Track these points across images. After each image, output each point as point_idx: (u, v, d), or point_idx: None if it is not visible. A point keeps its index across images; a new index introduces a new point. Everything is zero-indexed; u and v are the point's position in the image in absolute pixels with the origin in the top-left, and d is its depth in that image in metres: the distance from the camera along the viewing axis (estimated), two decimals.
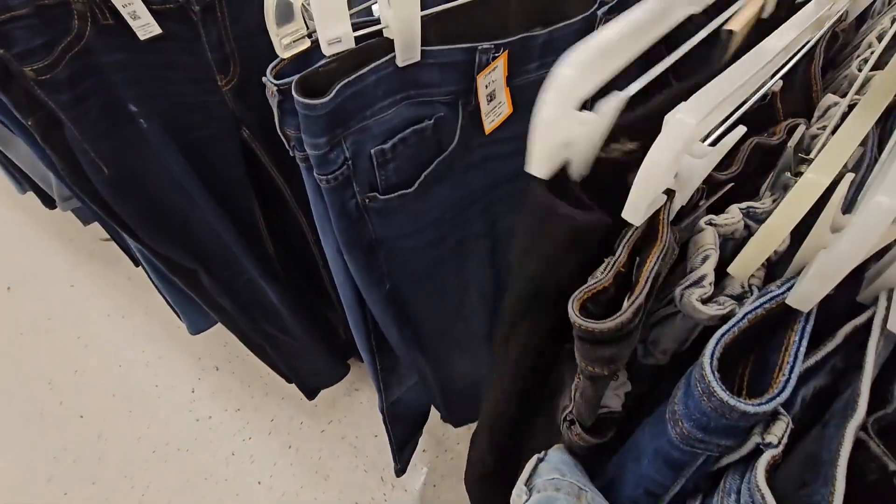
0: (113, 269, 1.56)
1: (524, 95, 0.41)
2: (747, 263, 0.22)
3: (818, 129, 0.29)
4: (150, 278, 1.07)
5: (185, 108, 0.64)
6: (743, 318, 0.20)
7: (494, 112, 0.39)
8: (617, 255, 0.24)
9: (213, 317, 0.97)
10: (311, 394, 1.14)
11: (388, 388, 0.78)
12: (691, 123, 0.21)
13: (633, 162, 0.25)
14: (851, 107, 0.30)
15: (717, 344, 0.20)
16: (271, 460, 1.17)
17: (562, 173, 0.25)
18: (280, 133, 0.39)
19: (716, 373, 0.19)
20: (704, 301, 0.22)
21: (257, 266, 0.83)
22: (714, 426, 0.20)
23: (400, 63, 0.35)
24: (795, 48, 0.34)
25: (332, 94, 0.33)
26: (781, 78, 0.36)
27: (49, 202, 1.40)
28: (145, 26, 0.56)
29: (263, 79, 0.36)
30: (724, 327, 0.20)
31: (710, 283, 0.23)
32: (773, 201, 0.25)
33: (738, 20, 0.37)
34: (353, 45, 0.33)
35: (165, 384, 1.31)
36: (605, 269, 0.24)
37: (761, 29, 0.39)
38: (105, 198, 0.65)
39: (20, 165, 1.26)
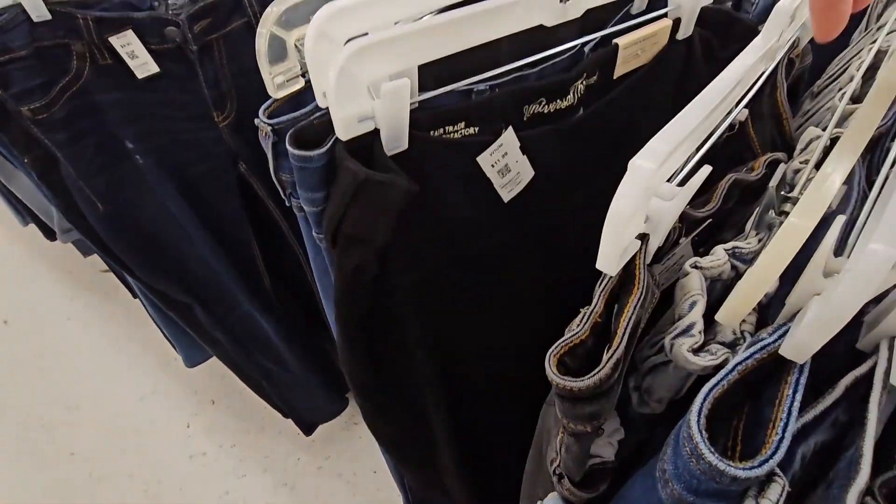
0: (110, 300, 1.55)
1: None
2: (736, 311, 0.21)
3: (800, 162, 0.28)
4: (147, 310, 1.06)
5: (182, 144, 0.64)
6: (732, 370, 0.19)
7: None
8: (593, 304, 0.23)
9: (209, 350, 0.95)
10: (308, 429, 1.11)
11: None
12: (651, 168, 0.21)
13: None
14: (834, 140, 0.30)
15: (704, 400, 0.18)
16: (266, 499, 1.13)
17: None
18: (275, 179, 0.38)
19: (703, 433, 0.18)
20: (695, 351, 0.21)
21: (253, 299, 0.82)
22: (704, 489, 0.19)
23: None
24: (752, 79, 0.34)
25: (328, 145, 0.32)
26: (747, 107, 0.36)
27: (50, 234, 1.40)
28: (143, 65, 0.57)
29: (256, 120, 0.35)
30: (713, 381, 0.19)
31: (700, 332, 0.22)
32: (759, 241, 0.24)
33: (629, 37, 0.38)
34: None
35: (160, 419, 1.28)
36: (581, 321, 0.23)
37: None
38: (100, 233, 0.65)
39: (22, 198, 1.27)
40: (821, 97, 0.36)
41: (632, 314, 0.22)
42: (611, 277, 0.23)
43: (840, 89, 0.32)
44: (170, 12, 0.57)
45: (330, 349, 1.05)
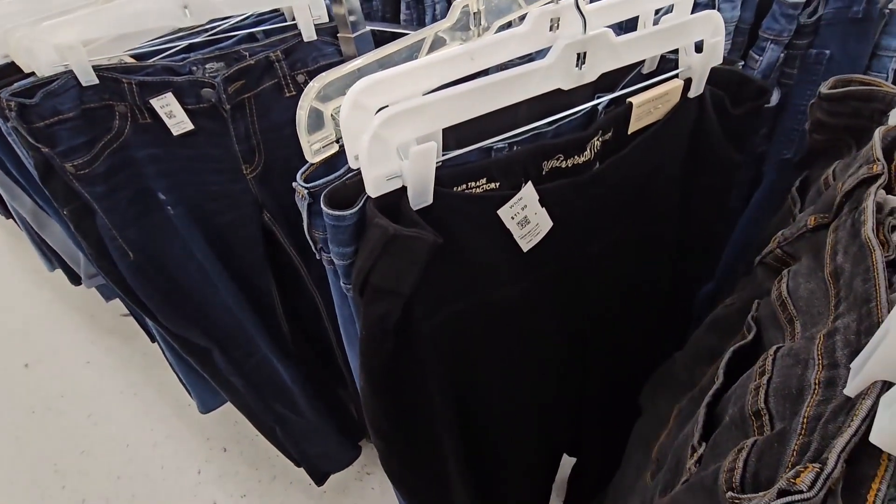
0: (129, 344, 1.57)
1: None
2: None
3: None
4: (165, 355, 1.08)
5: (211, 195, 0.68)
6: None
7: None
8: (829, 468, 0.19)
9: (224, 396, 0.95)
10: (320, 479, 1.08)
11: None
12: None
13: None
14: None
15: None
16: None
17: None
18: (308, 236, 0.40)
19: None
20: None
21: (271, 345, 0.83)
22: None
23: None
24: None
25: (359, 205, 0.35)
26: None
27: (75, 279, 1.44)
28: (179, 124, 0.61)
29: (294, 184, 0.38)
30: None
31: None
32: None
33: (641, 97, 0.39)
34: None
35: (172, 466, 1.26)
36: (812, 484, 0.19)
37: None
38: (128, 280, 0.67)
39: (52, 245, 1.32)
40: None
41: (884, 494, 0.18)
42: (854, 434, 0.19)
43: None
44: (207, 75, 0.61)
45: (344, 395, 1.05)
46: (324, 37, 0.66)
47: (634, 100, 0.39)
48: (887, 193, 0.29)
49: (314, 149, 0.37)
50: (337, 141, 0.38)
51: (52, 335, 1.64)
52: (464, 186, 0.37)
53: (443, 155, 0.36)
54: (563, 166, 0.39)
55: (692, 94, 0.43)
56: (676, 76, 0.42)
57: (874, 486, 0.18)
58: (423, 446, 0.45)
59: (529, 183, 0.37)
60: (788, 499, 0.19)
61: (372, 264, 0.34)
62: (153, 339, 1.35)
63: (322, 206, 0.34)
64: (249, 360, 0.84)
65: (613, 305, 0.51)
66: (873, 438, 0.19)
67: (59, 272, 1.42)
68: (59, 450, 1.33)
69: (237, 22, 0.70)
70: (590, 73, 0.36)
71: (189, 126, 0.62)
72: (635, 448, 0.49)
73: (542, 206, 0.39)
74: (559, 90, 0.38)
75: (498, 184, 0.37)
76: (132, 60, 0.62)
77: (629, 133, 0.41)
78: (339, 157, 0.39)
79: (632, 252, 0.48)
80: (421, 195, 0.34)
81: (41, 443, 1.35)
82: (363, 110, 0.31)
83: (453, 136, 0.36)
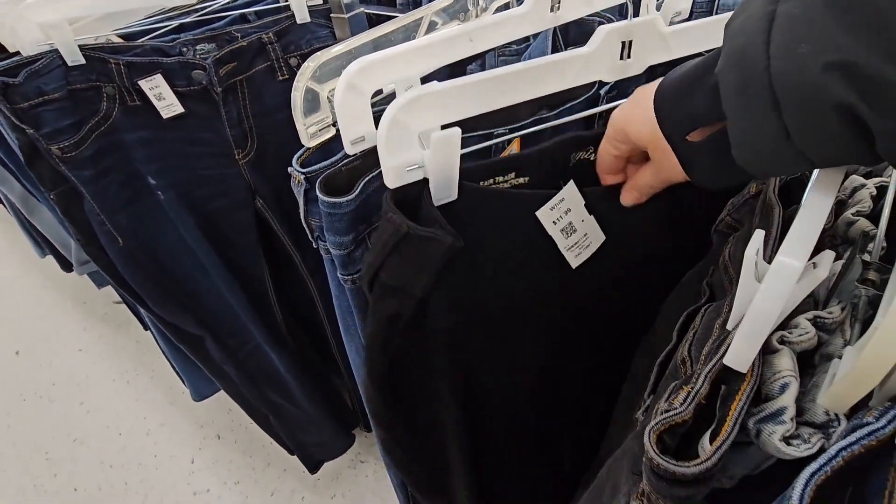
0: (122, 332, 1.56)
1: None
2: (844, 399, 0.20)
3: (853, 214, 0.28)
4: (158, 343, 1.07)
5: (203, 180, 0.66)
6: (836, 455, 0.18)
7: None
8: (698, 385, 0.22)
9: (217, 384, 0.95)
10: (314, 467, 1.08)
11: None
12: (799, 267, 0.20)
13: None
14: (879, 188, 0.29)
15: (805, 487, 0.17)
16: None
17: None
18: (304, 224, 0.39)
19: None
20: (787, 439, 0.20)
21: (264, 333, 0.82)
22: None
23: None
24: None
25: (356, 192, 0.33)
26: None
27: (67, 266, 1.42)
28: (169, 106, 0.60)
29: (290, 169, 0.36)
30: (814, 466, 0.18)
31: (792, 419, 0.20)
32: (842, 310, 0.23)
33: None
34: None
35: (165, 454, 1.26)
36: (685, 401, 0.22)
37: None
38: (118, 267, 0.66)
39: (43, 231, 1.30)
40: None
41: (743, 404, 0.21)
42: (718, 361, 0.23)
43: None
44: (197, 57, 0.60)
45: (338, 384, 1.04)
46: (317, 19, 0.64)
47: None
48: None
49: (310, 132, 0.36)
50: (334, 124, 0.37)
51: (44, 322, 1.62)
52: (490, 181, 0.34)
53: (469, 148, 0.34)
54: (592, 158, 0.37)
55: None
56: None
57: (737, 398, 0.22)
58: (427, 438, 0.44)
59: (571, 182, 0.34)
60: (666, 415, 0.22)
61: (382, 261, 0.31)
62: (146, 327, 1.34)
63: (318, 192, 0.33)
64: (243, 349, 0.83)
65: (644, 324, 0.49)
66: (726, 360, 0.23)
67: (51, 259, 1.41)
68: (50, 438, 1.32)
69: (229, 2, 0.68)
70: (636, 66, 0.34)
71: (179, 109, 0.60)
72: (620, 413, 0.49)
73: (591, 215, 0.36)
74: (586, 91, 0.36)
75: (528, 178, 0.35)
76: (120, 40, 0.61)
77: None
78: (336, 142, 0.37)
79: (669, 265, 0.46)
80: (444, 188, 0.31)
81: (33, 431, 1.34)
82: (358, 93, 0.30)
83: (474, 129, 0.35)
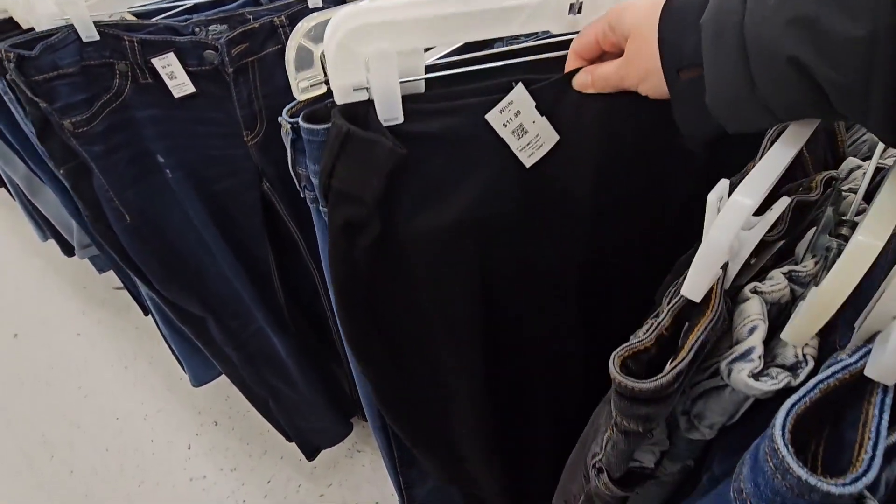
0: (121, 317, 1.56)
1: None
2: (804, 330, 0.21)
3: (845, 191, 0.29)
4: (158, 327, 1.07)
5: (211, 160, 0.67)
6: (814, 388, 0.19)
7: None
8: (661, 317, 0.24)
9: (218, 368, 0.95)
10: (311, 453, 1.09)
11: (410, 489, 0.68)
12: (751, 205, 0.22)
13: None
14: (875, 171, 0.30)
15: (787, 415, 0.18)
16: None
17: None
18: (292, 172, 0.40)
19: (790, 447, 0.17)
20: (755, 376, 0.22)
21: (267, 316, 0.82)
22: None
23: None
24: None
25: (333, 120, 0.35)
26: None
27: (68, 250, 1.43)
28: (181, 85, 0.60)
29: (280, 118, 0.38)
30: (794, 398, 0.19)
31: (760, 357, 0.22)
32: (815, 263, 0.24)
33: None
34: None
35: (162, 439, 1.26)
36: (647, 330, 0.24)
37: None
38: (124, 244, 0.66)
39: (45, 213, 1.31)
40: (854, 131, 0.37)
41: (701, 334, 0.23)
42: (681, 297, 0.24)
43: None
44: (210, 37, 0.60)
45: (338, 371, 1.05)
46: (329, 5, 0.65)
47: None
48: None
49: (301, 87, 0.38)
50: (326, 82, 0.38)
51: (43, 306, 1.62)
52: (441, 103, 0.36)
53: (415, 78, 0.35)
54: (547, 79, 0.37)
55: None
56: None
57: (696, 329, 0.24)
58: (413, 369, 0.45)
59: (521, 84, 0.36)
60: (630, 343, 0.24)
61: (332, 165, 0.34)
62: (146, 312, 1.34)
63: (300, 121, 0.35)
64: (245, 331, 0.84)
65: (622, 243, 0.49)
66: (682, 291, 0.24)
67: (51, 243, 1.41)
68: (47, 420, 1.32)
69: None
70: (584, 22, 0.35)
71: (191, 88, 0.61)
72: (601, 391, 0.50)
73: (543, 115, 0.37)
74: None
75: (477, 98, 0.36)
76: (133, 18, 0.61)
77: None
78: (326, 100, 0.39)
79: (644, 195, 0.46)
80: (389, 110, 0.34)
81: (29, 413, 1.35)
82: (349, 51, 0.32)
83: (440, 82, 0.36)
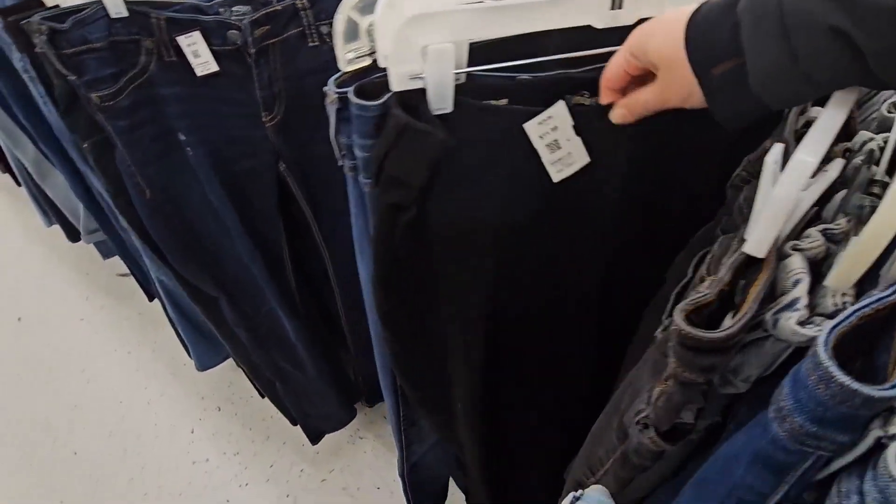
0: (125, 304, 1.57)
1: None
2: (848, 275, 0.23)
3: (861, 161, 0.31)
4: (166, 310, 1.08)
5: (231, 140, 0.68)
6: (853, 314, 0.20)
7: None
8: (721, 273, 0.26)
9: (227, 349, 0.97)
10: (315, 437, 1.10)
11: (409, 446, 0.72)
12: (813, 163, 0.23)
13: None
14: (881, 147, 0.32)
15: (829, 335, 0.20)
16: None
17: None
18: (333, 141, 0.42)
19: (833, 359, 0.19)
20: (801, 324, 0.23)
21: (279, 298, 0.84)
22: (831, 416, 0.19)
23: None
24: None
25: (383, 99, 0.37)
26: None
27: (73, 235, 1.43)
28: (204, 64, 0.62)
29: (325, 88, 0.39)
30: (834, 322, 0.20)
31: (806, 307, 0.24)
32: (848, 222, 0.26)
33: None
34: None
35: (165, 423, 1.27)
36: (710, 285, 0.26)
37: None
38: (143, 220, 0.68)
39: (52, 198, 1.31)
40: (863, 110, 0.39)
41: (761, 290, 0.24)
42: (741, 253, 0.26)
43: (885, 100, 0.35)
44: (233, 18, 0.62)
45: (344, 357, 1.06)
46: None
47: None
48: None
49: (348, 58, 0.39)
50: (370, 54, 0.39)
51: (46, 291, 1.63)
52: (486, 103, 0.38)
53: (466, 69, 0.37)
54: (587, 104, 0.40)
55: None
56: None
57: (756, 284, 0.25)
58: (430, 348, 0.47)
59: (562, 102, 0.38)
60: (694, 297, 0.26)
61: (386, 151, 0.36)
62: (151, 298, 1.35)
63: (350, 96, 0.37)
64: (257, 313, 0.85)
65: (638, 263, 0.52)
66: (745, 249, 0.26)
67: (56, 228, 1.41)
68: (50, 403, 1.33)
69: None
70: (626, 17, 0.37)
71: (214, 67, 0.62)
72: (625, 368, 0.51)
73: (578, 136, 0.39)
74: (594, 37, 0.39)
75: (521, 106, 0.39)
76: None
77: None
78: (370, 72, 0.40)
79: (666, 212, 0.48)
80: (440, 99, 0.36)
81: (32, 396, 1.35)
82: (397, 11, 0.33)
83: (482, 61, 0.38)
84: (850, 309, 0.20)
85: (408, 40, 0.33)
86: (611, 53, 0.39)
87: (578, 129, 0.39)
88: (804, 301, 0.23)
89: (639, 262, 0.53)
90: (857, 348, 0.21)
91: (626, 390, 0.34)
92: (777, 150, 0.25)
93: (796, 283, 0.24)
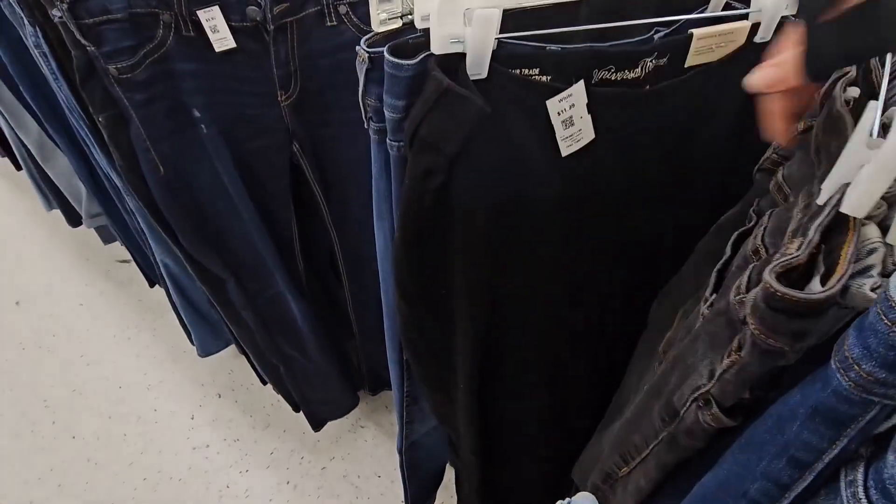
0: (125, 290, 1.56)
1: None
2: None
3: None
4: (169, 295, 1.07)
5: (245, 118, 0.68)
6: None
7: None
8: (809, 236, 0.25)
9: (229, 334, 0.96)
10: (317, 424, 1.10)
11: (410, 423, 0.72)
12: None
13: None
14: None
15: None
16: (267, 496, 1.11)
17: None
18: (361, 102, 0.42)
19: None
20: (874, 290, 0.23)
21: (286, 280, 0.84)
22: None
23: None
24: None
25: (418, 59, 0.37)
26: None
27: (74, 220, 1.42)
28: (222, 40, 0.61)
29: (357, 48, 0.39)
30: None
31: (879, 274, 0.23)
32: None
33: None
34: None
35: (165, 409, 1.27)
36: (800, 247, 0.25)
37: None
38: (156, 197, 0.67)
39: (55, 180, 1.30)
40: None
41: (853, 251, 0.24)
42: (828, 214, 0.25)
43: None
44: None
45: (348, 344, 1.06)
46: None
47: (697, 31, 0.41)
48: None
49: (381, 18, 0.39)
50: (401, 17, 0.39)
51: (46, 275, 1.61)
52: (518, 72, 0.38)
53: (501, 36, 0.37)
54: (613, 79, 0.40)
55: (758, 38, 0.42)
56: (745, 17, 0.43)
57: (846, 245, 0.24)
58: (438, 312, 0.48)
59: (581, 81, 0.39)
60: (785, 258, 0.25)
61: (424, 115, 0.36)
62: (152, 285, 1.34)
63: (385, 53, 0.37)
64: (263, 295, 0.85)
65: (649, 239, 0.53)
66: (844, 209, 0.25)
67: (55, 213, 1.40)
68: (49, 387, 1.32)
69: None
70: None
71: (231, 43, 0.62)
72: (639, 357, 0.51)
73: (589, 114, 0.40)
74: (623, 15, 0.39)
75: (550, 77, 0.39)
76: None
77: (685, 66, 0.42)
78: (401, 34, 0.40)
79: (672, 194, 0.49)
80: (478, 65, 0.36)
81: (31, 379, 1.34)
82: None
83: (513, 28, 0.38)
84: None
85: (453, 2, 0.34)
86: (639, 26, 0.39)
87: (591, 108, 0.40)
88: (878, 269, 0.23)
89: (647, 247, 0.53)
90: None
91: (671, 371, 0.33)
92: (873, 107, 0.25)
93: (871, 251, 0.24)
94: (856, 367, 0.21)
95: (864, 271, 0.24)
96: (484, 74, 0.37)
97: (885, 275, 0.24)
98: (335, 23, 0.66)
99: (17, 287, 1.57)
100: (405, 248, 0.43)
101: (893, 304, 0.20)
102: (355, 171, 0.76)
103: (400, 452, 0.78)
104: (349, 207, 0.81)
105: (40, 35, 0.63)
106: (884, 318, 0.20)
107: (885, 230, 0.26)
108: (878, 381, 0.21)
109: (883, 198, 0.25)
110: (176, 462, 1.16)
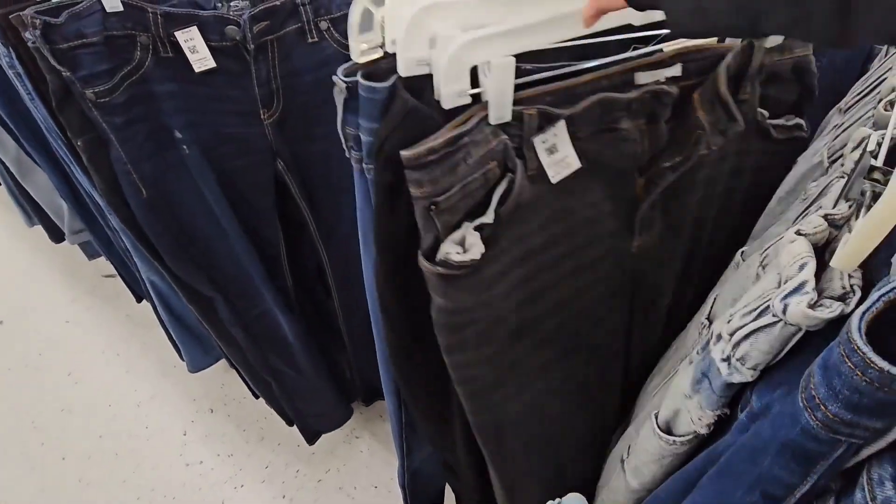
0: (111, 305, 1.54)
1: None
2: (854, 256, 0.23)
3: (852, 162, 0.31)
4: (157, 312, 1.06)
5: (227, 137, 0.67)
6: (877, 300, 0.20)
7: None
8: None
9: (222, 350, 0.95)
10: (311, 437, 1.09)
11: (410, 453, 0.70)
12: None
13: None
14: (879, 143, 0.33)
15: (860, 321, 0.20)
16: None
17: None
18: (340, 132, 0.42)
19: (868, 345, 0.19)
20: (811, 307, 0.23)
21: (274, 297, 0.83)
22: (866, 403, 0.19)
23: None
24: None
25: (390, 82, 0.37)
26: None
27: (57, 236, 1.40)
28: (202, 60, 0.61)
29: (333, 77, 0.39)
30: (863, 308, 0.20)
31: (814, 289, 0.23)
32: (849, 207, 0.26)
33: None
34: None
35: (156, 426, 1.25)
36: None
37: None
38: (139, 219, 0.66)
39: (35, 197, 1.28)
40: (853, 111, 0.40)
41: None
42: None
43: (881, 99, 0.36)
44: (232, 13, 0.61)
45: (340, 356, 1.06)
46: None
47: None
48: None
49: (361, 49, 0.39)
50: (381, 46, 0.39)
51: (30, 293, 1.59)
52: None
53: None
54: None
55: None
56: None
57: None
58: (429, 345, 0.47)
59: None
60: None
61: (389, 132, 0.37)
62: (139, 300, 1.33)
63: (359, 78, 0.37)
64: (252, 312, 0.84)
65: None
66: None
67: (38, 229, 1.38)
68: (37, 406, 1.30)
69: None
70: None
71: (211, 63, 0.61)
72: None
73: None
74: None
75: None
76: None
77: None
78: (379, 63, 0.40)
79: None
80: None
81: (18, 399, 1.32)
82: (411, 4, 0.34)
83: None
84: (875, 294, 0.21)
85: (418, 27, 0.34)
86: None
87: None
88: (811, 284, 0.24)
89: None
90: (887, 326, 0.21)
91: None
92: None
93: (802, 266, 0.24)
94: (822, 407, 0.21)
95: (798, 288, 0.24)
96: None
97: (821, 291, 0.24)
98: (316, 39, 0.66)
99: (1, 306, 1.55)
100: (385, 275, 0.42)
101: (857, 348, 0.20)
102: (342, 186, 0.75)
103: (403, 487, 0.75)
104: (336, 222, 0.81)
105: (14, 56, 0.62)
106: (847, 360, 0.20)
107: (819, 249, 0.26)
108: (845, 423, 0.21)
109: (826, 219, 0.26)
110: (169, 479, 1.15)
